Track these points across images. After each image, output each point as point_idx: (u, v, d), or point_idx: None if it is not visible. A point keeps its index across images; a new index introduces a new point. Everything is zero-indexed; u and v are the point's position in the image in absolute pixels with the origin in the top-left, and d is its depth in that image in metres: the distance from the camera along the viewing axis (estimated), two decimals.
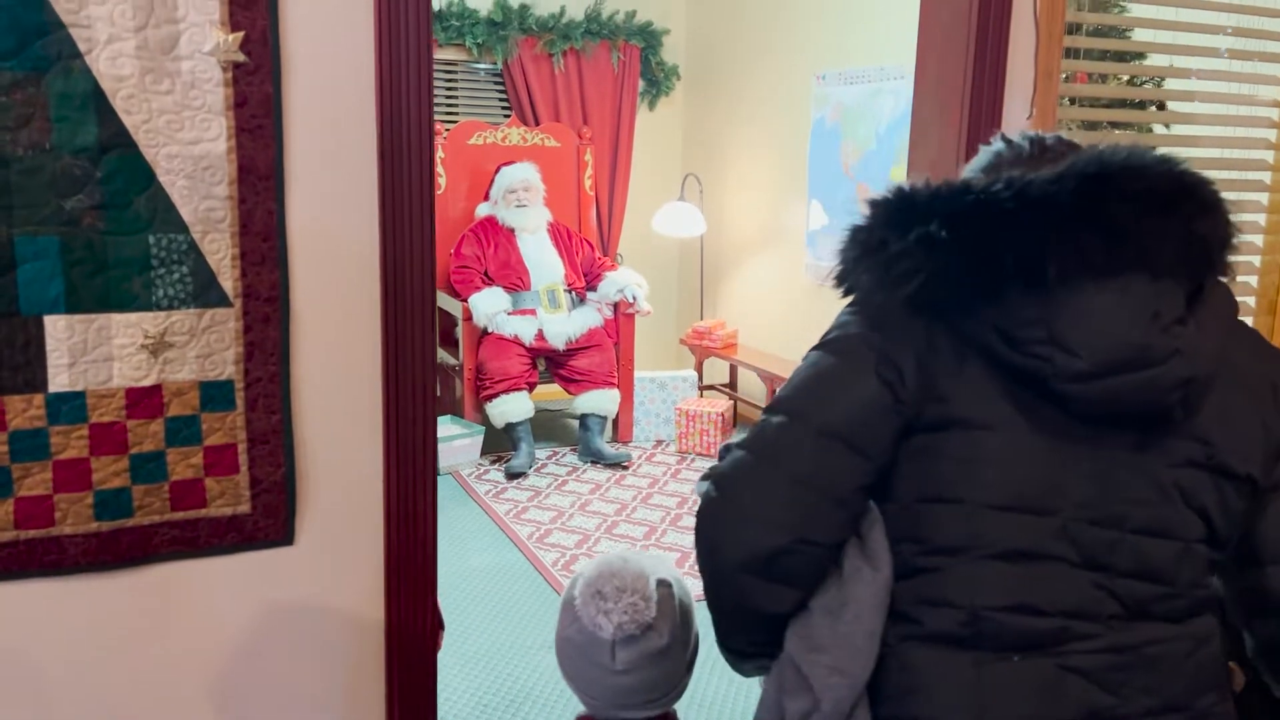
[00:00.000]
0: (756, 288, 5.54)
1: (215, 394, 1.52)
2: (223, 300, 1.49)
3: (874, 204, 1.03)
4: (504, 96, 5.76)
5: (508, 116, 5.61)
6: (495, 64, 5.61)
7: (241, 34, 1.42)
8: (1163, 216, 0.92)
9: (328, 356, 1.58)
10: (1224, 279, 1.01)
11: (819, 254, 5.02)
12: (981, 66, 1.77)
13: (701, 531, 1.04)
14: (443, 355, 5.44)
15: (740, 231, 5.67)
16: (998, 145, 1.10)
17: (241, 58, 1.43)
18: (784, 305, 5.30)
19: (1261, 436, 1.00)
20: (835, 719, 0.95)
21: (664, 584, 1.29)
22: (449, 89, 5.72)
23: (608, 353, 5.03)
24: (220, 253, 1.48)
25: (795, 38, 5.12)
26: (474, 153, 5.36)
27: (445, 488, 4.58)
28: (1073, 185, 0.92)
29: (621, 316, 5.16)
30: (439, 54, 5.47)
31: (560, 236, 5.24)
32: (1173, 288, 0.93)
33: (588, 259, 5.29)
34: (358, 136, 1.52)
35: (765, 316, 5.48)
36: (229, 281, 1.49)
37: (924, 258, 0.94)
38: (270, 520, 1.59)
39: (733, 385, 5.63)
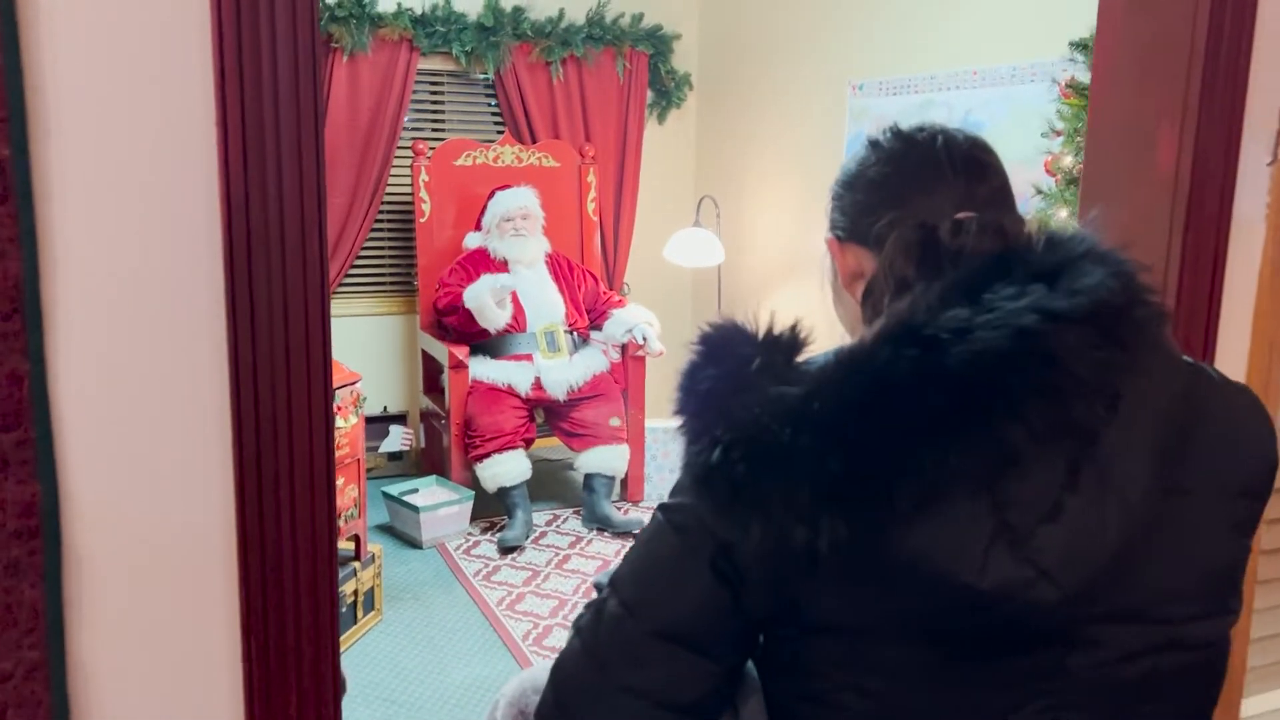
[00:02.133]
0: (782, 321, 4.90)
1: None
2: None
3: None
4: (496, 111, 5.15)
5: (501, 133, 4.99)
6: (486, 75, 5.00)
7: None
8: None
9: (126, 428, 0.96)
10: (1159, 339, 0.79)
11: None
12: (1210, 94, 1.14)
13: None
14: (427, 403, 4.81)
15: (763, 260, 5.04)
16: (893, 144, 0.93)
17: None
18: (814, 343, 4.66)
19: (1242, 567, 0.83)
20: None
21: None
22: (434, 103, 5.11)
23: (615, 402, 4.39)
24: None
25: (826, 41, 4.50)
26: (462, 175, 4.74)
27: (429, 566, 3.94)
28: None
29: (630, 359, 4.53)
30: (422, 64, 4.86)
31: (560, 269, 4.61)
32: (1037, 467, 0.74)
33: (591, 294, 4.67)
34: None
35: None
36: None
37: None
38: None
39: None
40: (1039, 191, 2.28)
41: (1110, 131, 1.25)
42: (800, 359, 0.82)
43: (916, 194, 0.89)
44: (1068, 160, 2.16)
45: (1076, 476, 0.75)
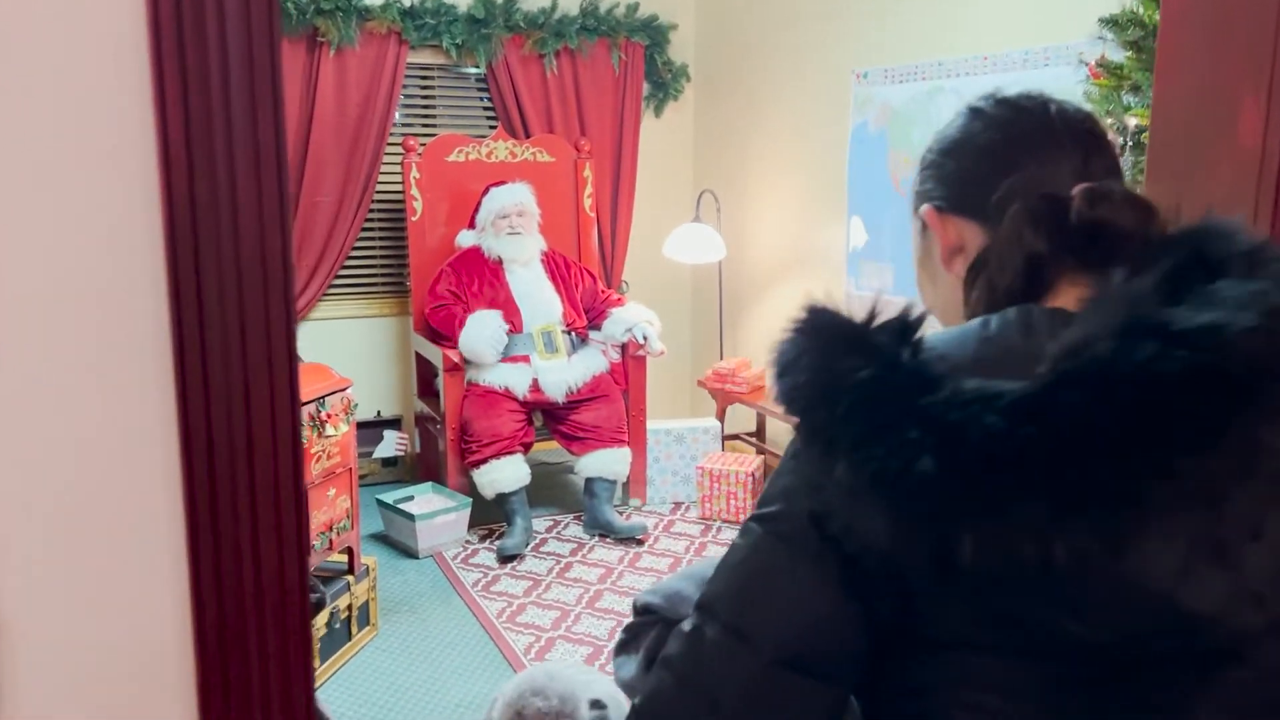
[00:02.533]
0: (786, 320, 4.77)
1: None
2: None
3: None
4: (488, 105, 5.01)
5: (494, 128, 4.85)
6: (478, 68, 4.86)
7: None
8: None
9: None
10: None
11: (862, 280, 4.26)
12: None
13: None
14: (422, 407, 4.67)
15: (766, 256, 4.90)
16: (1000, 110, 0.85)
17: None
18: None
19: None
20: None
21: (597, 705, 1.12)
22: (425, 98, 4.96)
23: (615, 404, 4.26)
24: None
25: (829, 28, 4.36)
26: (454, 171, 4.60)
27: (425, 577, 3.80)
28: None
29: (630, 359, 4.40)
30: (412, 58, 4.72)
31: (556, 268, 4.48)
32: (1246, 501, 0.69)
33: (589, 293, 4.53)
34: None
35: None
36: None
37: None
38: None
39: (760, 435, 4.86)
40: None
41: (1181, 102, 1.11)
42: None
43: (1031, 162, 0.82)
44: None
45: (1272, 493, 0.69)
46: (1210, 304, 0.67)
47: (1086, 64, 2.09)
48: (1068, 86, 3.21)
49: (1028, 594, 0.69)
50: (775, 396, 0.77)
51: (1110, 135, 0.85)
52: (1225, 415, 0.65)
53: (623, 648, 0.94)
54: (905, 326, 0.73)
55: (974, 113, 0.88)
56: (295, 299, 0.78)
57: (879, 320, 0.74)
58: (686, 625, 0.80)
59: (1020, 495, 0.65)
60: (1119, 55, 1.99)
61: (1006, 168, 0.83)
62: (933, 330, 0.78)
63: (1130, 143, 1.89)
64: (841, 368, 0.71)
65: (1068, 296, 0.80)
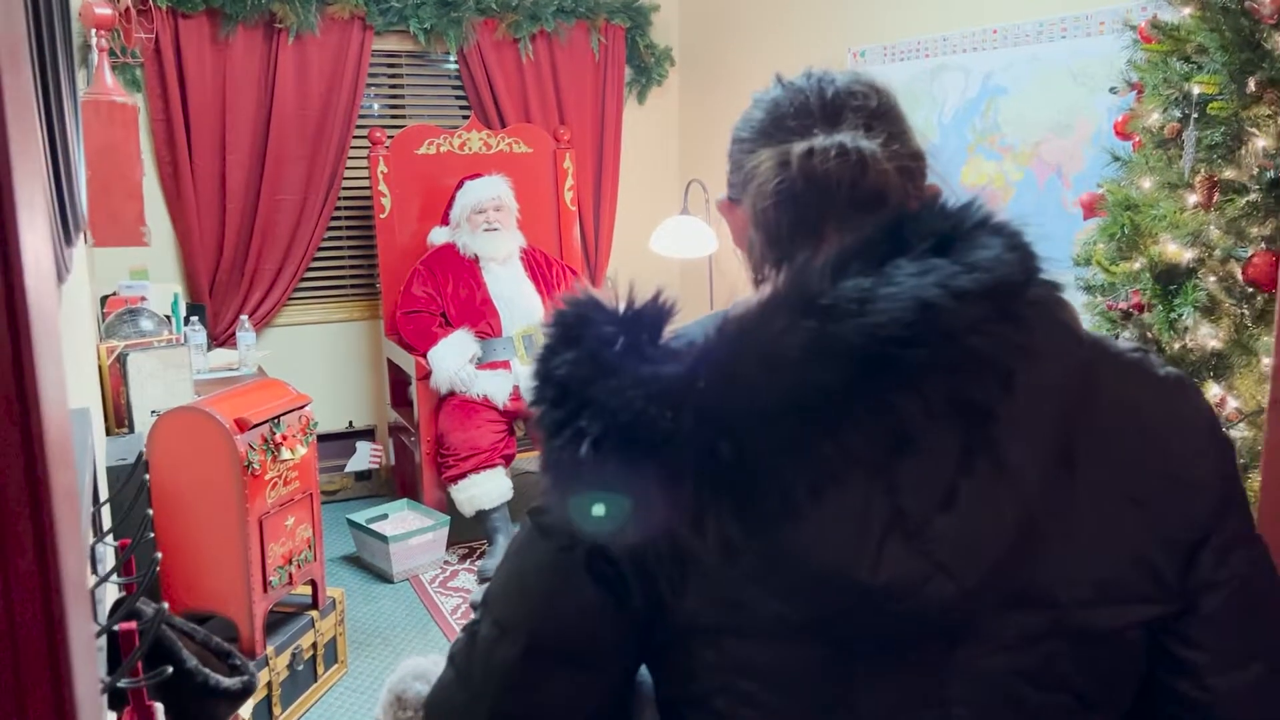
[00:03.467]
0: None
1: None
2: None
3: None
4: (461, 94, 4.71)
5: (466, 118, 4.56)
6: (448, 54, 4.56)
7: None
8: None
9: None
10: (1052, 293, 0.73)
11: None
12: None
13: None
14: (396, 418, 4.38)
15: None
16: (774, 92, 0.86)
17: None
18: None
19: (1153, 552, 0.74)
20: None
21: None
22: (392, 86, 4.67)
23: None
24: None
25: (822, 5, 4.09)
26: (425, 164, 4.31)
27: (400, 604, 3.52)
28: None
29: None
30: (377, 44, 4.42)
31: (536, 265, 4.19)
32: (931, 452, 0.69)
33: None
34: None
35: None
36: None
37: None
38: None
39: None
40: (1115, 158, 1.88)
41: None
42: (668, 334, 0.73)
43: (786, 135, 0.81)
44: (1154, 118, 1.76)
45: (971, 460, 0.69)
46: (879, 276, 0.67)
47: (1135, 26, 1.82)
48: (1078, 62, 2.95)
49: (735, 577, 0.72)
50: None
51: (894, 108, 0.81)
52: (860, 389, 0.65)
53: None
54: (638, 312, 0.72)
55: (755, 100, 0.88)
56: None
57: (625, 309, 0.72)
58: (470, 621, 0.83)
59: (666, 484, 0.66)
60: (1175, 16, 1.72)
61: (761, 144, 0.83)
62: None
63: (1195, 114, 1.62)
64: (555, 361, 0.71)
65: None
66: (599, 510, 0.68)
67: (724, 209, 0.90)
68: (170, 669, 0.88)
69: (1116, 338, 1.79)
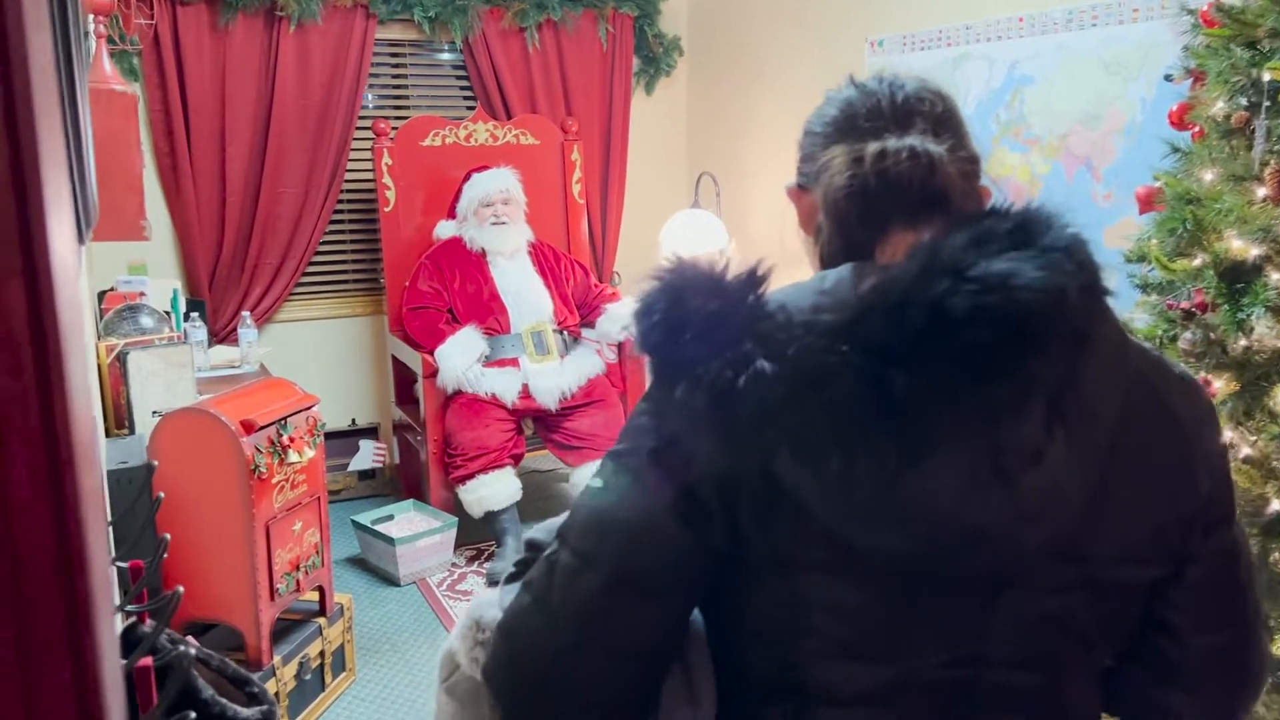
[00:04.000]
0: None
1: None
2: None
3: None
4: (466, 84, 4.61)
5: (472, 109, 4.45)
6: (453, 43, 4.46)
7: None
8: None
9: None
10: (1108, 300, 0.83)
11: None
12: None
13: (492, 683, 0.90)
14: (401, 415, 4.28)
15: (771, 243, 4.53)
16: (848, 92, 0.93)
17: None
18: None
19: (1167, 523, 0.87)
20: None
21: None
22: (395, 77, 4.56)
23: (613, 409, 3.88)
24: None
25: None
26: (430, 156, 4.20)
27: (408, 608, 3.43)
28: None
29: (627, 360, 4.03)
30: (381, 33, 4.31)
31: (545, 260, 4.09)
32: (1023, 413, 0.77)
33: (581, 287, 4.15)
34: None
35: None
36: None
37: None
38: None
39: None
40: (1175, 149, 1.79)
41: None
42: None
43: (860, 135, 0.89)
44: (1218, 107, 1.67)
45: (1052, 427, 0.77)
46: (1006, 259, 0.74)
47: (1195, 10, 1.73)
48: (1112, 51, 2.86)
49: (837, 509, 0.77)
50: (636, 341, 0.82)
51: (956, 114, 0.90)
52: (1005, 350, 0.73)
53: (512, 579, 0.96)
54: (752, 275, 0.81)
55: (828, 97, 0.95)
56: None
57: (731, 272, 0.81)
58: (547, 552, 0.88)
59: (828, 410, 0.73)
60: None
61: (833, 140, 0.91)
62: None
63: (1267, 103, 1.53)
64: (692, 306, 0.78)
65: (897, 252, 0.85)
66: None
67: (793, 195, 0.98)
68: (194, 715, 0.79)
69: (1175, 339, 1.66)
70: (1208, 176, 1.72)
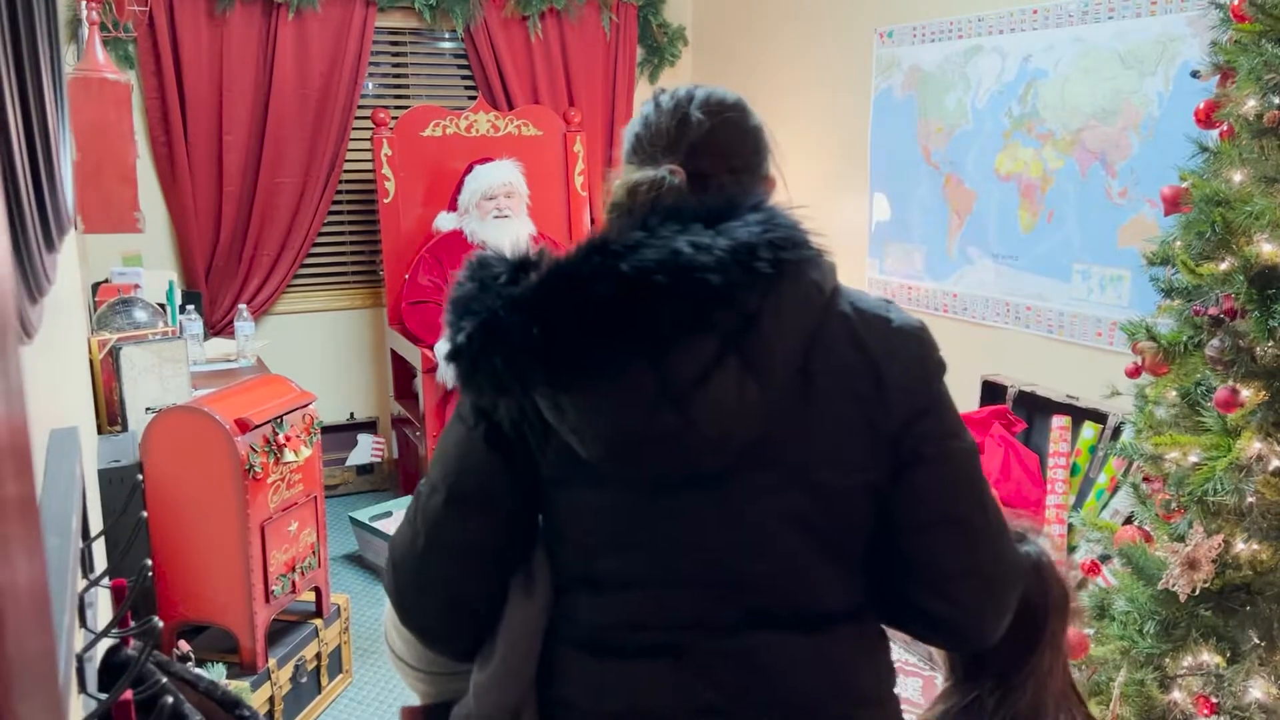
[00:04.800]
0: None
1: None
2: None
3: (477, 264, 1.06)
4: (467, 73, 4.53)
5: (473, 99, 4.38)
6: (454, 32, 4.38)
7: None
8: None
9: None
10: (810, 260, 1.03)
11: (886, 263, 3.84)
12: None
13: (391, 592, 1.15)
14: (400, 410, 4.23)
15: None
16: (646, 109, 1.14)
17: None
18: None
19: (868, 436, 1.05)
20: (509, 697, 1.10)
21: None
22: (395, 65, 4.49)
23: None
24: None
25: None
26: (431, 147, 4.13)
27: None
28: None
29: None
30: (381, 21, 4.24)
31: None
32: (695, 355, 0.98)
33: None
34: None
35: None
36: None
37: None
38: None
39: None
40: (1202, 148, 1.72)
41: None
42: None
43: (640, 157, 1.11)
44: (1249, 105, 1.61)
45: (724, 358, 0.98)
46: (658, 240, 0.97)
47: (1226, 4, 1.66)
48: (1127, 45, 2.79)
49: (570, 434, 1.01)
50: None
51: (729, 126, 1.10)
52: (622, 302, 0.95)
53: None
54: (519, 260, 1.01)
55: (640, 112, 1.14)
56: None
57: (515, 258, 1.01)
58: (419, 484, 1.12)
59: (525, 364, 0.97)
60: None
61: (629, 160, 1.13)
62: None
63: None
64: (461, 290, 1.02)
65: None
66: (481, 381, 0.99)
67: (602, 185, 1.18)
68: None
69: (1201, 346, 1.59)
70: (1237, 177, 1.66)
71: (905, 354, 1.06)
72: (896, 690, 1.13)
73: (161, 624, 0.85)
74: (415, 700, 1.32)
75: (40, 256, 0.70)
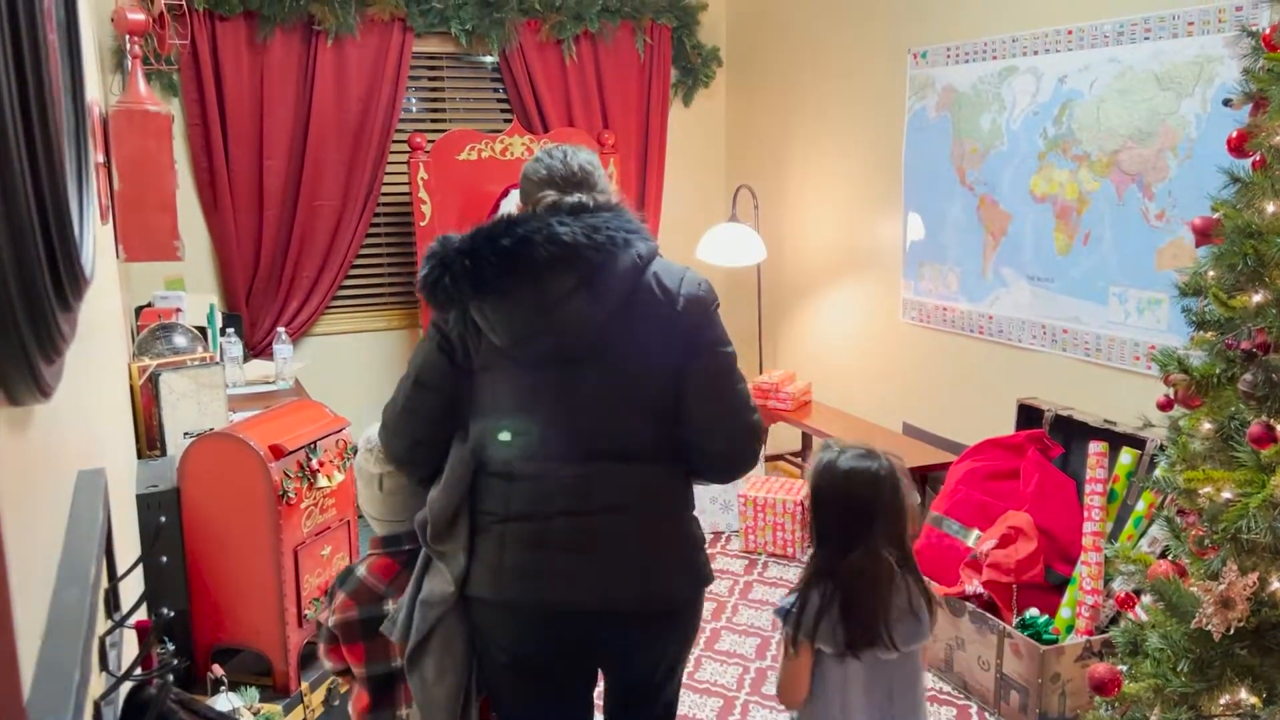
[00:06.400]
0: (834, 329, 4.33)
1: None
2: None
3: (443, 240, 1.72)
4: (503, 97, 4.58)
5: (508, 122, 4.43)
6: (490, 56, 4.43)
7: None
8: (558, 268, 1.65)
9: None
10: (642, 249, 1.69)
11: (921, 284, 3.81)
12: None
13: (381, 435, 1.86)
14: None
15: (810, 258, 4.46)
16: (540, 156, 1.80)
17: None
18: (873, 350, 4.09)
19: (668, 340, 1.68)
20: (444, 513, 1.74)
21: None
22: (432, 90, 4.54)
23: None
24: None
25: (880, 3, 3.91)
26: (466, 170, 4.17)
27: None
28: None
29: None
30: (417, 46, 4.30)
31: None
32: (560, 284, 1.63)
33: None
34: None
35: (846, 365, 4.27)
36: None
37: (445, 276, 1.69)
38: None
39: (805, 456, 4.42)
40: (1234, 179, 1.69)
41: None
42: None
43: (537, 188, 1.77)
44: None
45: (578, 292, 1.62)
46: (539, 221, 1.64)
47: (1258, 32, 1.64)
48: (1165, 66, 2.75)
49: (492, 330, 1.66)
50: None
51: (584, 172, 1.75)
52: (510, 252, 1.61)
53: None
54: (474, 233, 1.69)
55: (534, 159, 1.80)
56: None
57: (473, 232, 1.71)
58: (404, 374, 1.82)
59: (462, 284, 1.63)
60: None
61: (532, 193, 1.76)
62: None
63: None
64: (429, 249, 1.69)
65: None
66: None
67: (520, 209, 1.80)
68: None
69: (1234, 380, 1.55)
70: (1270, 208, 1.63)
71: (691, 290, 1.69)
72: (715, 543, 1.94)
73: (184, 664, 0.87)
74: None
75: (54, 319, 0.72)
